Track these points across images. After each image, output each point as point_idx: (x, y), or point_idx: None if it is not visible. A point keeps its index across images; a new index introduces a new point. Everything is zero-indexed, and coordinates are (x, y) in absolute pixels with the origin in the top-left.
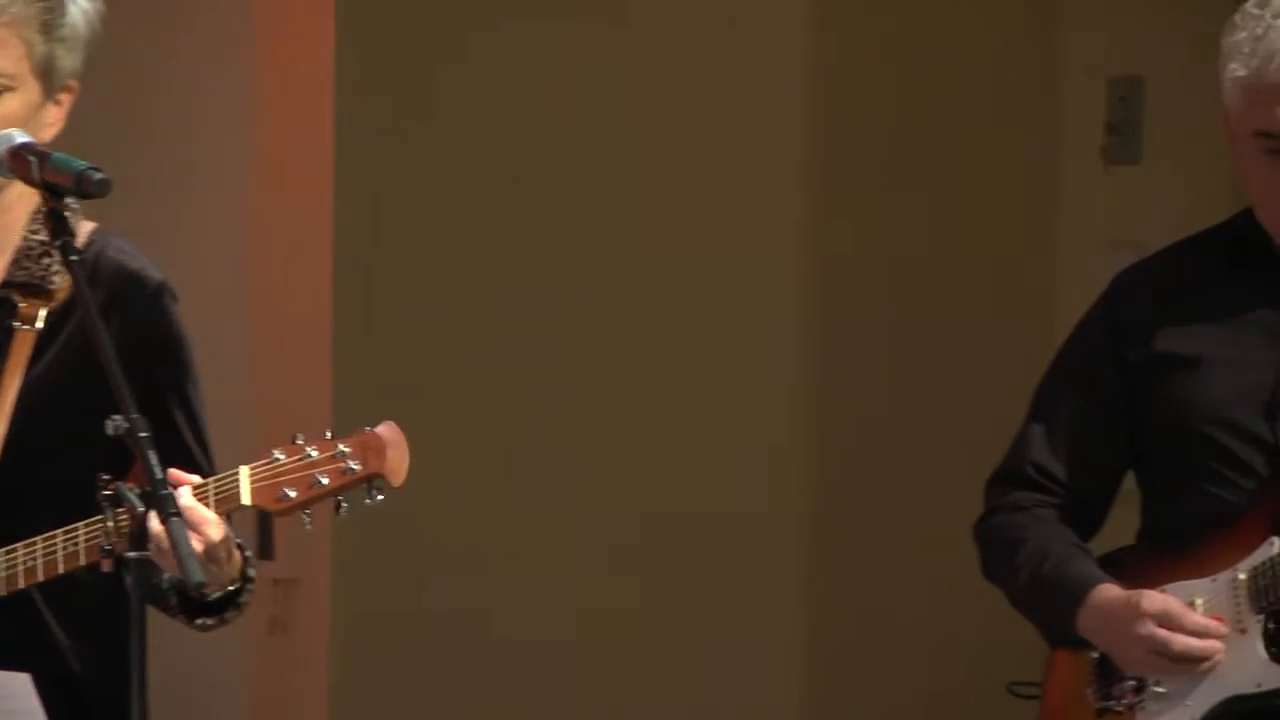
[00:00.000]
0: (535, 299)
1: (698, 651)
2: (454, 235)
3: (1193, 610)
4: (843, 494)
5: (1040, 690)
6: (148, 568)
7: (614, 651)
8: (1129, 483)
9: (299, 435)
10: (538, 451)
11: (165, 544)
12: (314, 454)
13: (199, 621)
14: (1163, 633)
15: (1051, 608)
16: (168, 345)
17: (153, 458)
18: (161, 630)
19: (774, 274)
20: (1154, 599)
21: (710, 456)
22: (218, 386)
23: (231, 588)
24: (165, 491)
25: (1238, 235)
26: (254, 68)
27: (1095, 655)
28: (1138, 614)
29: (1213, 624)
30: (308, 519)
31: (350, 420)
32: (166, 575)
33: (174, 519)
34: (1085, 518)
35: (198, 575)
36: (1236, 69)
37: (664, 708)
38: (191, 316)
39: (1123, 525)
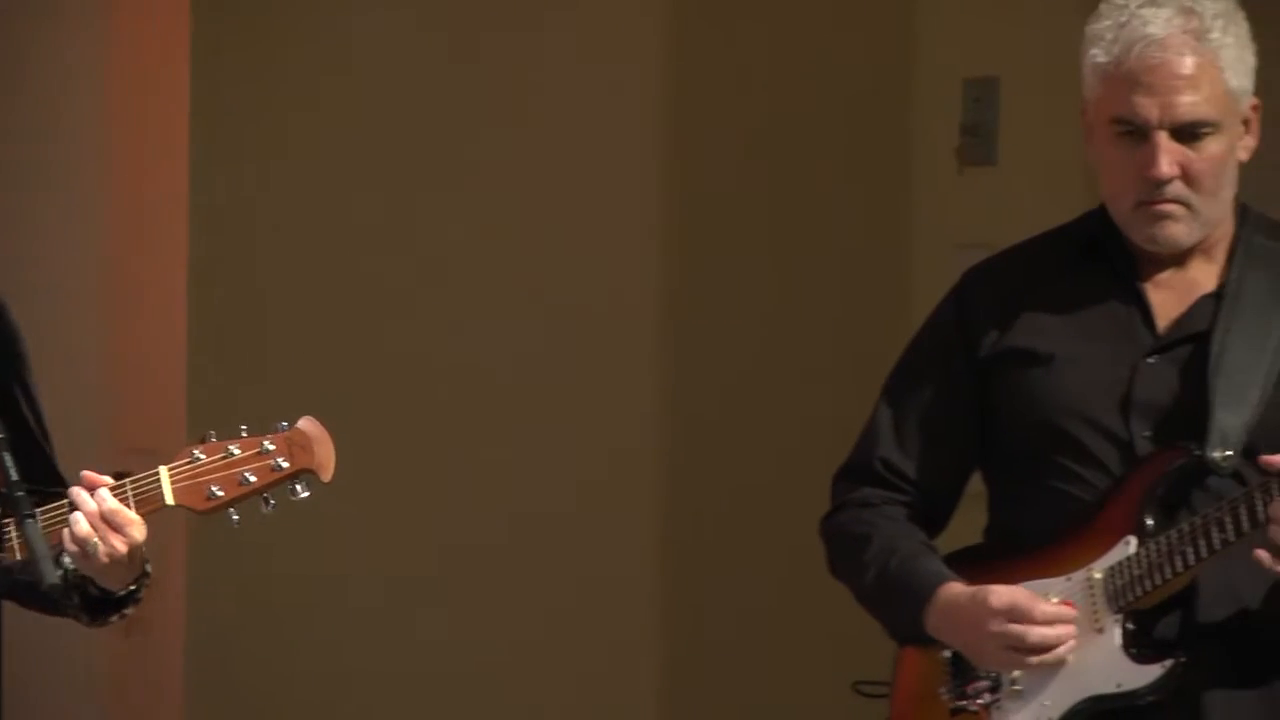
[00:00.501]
0: (387, 307)
1: (548, 649)
2: (307, 237)
3: (1040, 599)
4: (692, 493)
5: (887, 689)
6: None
7: (471, 649)
8: (975, 482)
9: (213, 433)
10: (392, 459)
11: (75, 547)
12: (236, 452)
13: (100, 619)
14: (1016, 628)
15: (899, 606)
16: (4, 341)
17: (7, 459)
18: (15, 631)
19: (628, 277)
20: (1001, 594)
21: (561, 458)
22: (72, 389)
23: (133, 586)
24: (20, 494)
25: (1089, 232)
26: (110, 72)
27: (948, 654)
28: (988, 611)
29: (1063, 610)
30: (235, 517)
31: (205, 419)
32: (59, 573)
33: (29, 521)
34: (932, 515)
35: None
36: (1098, 55)
37: (515, 707)
38: (47, 319)
39: (969, 523)
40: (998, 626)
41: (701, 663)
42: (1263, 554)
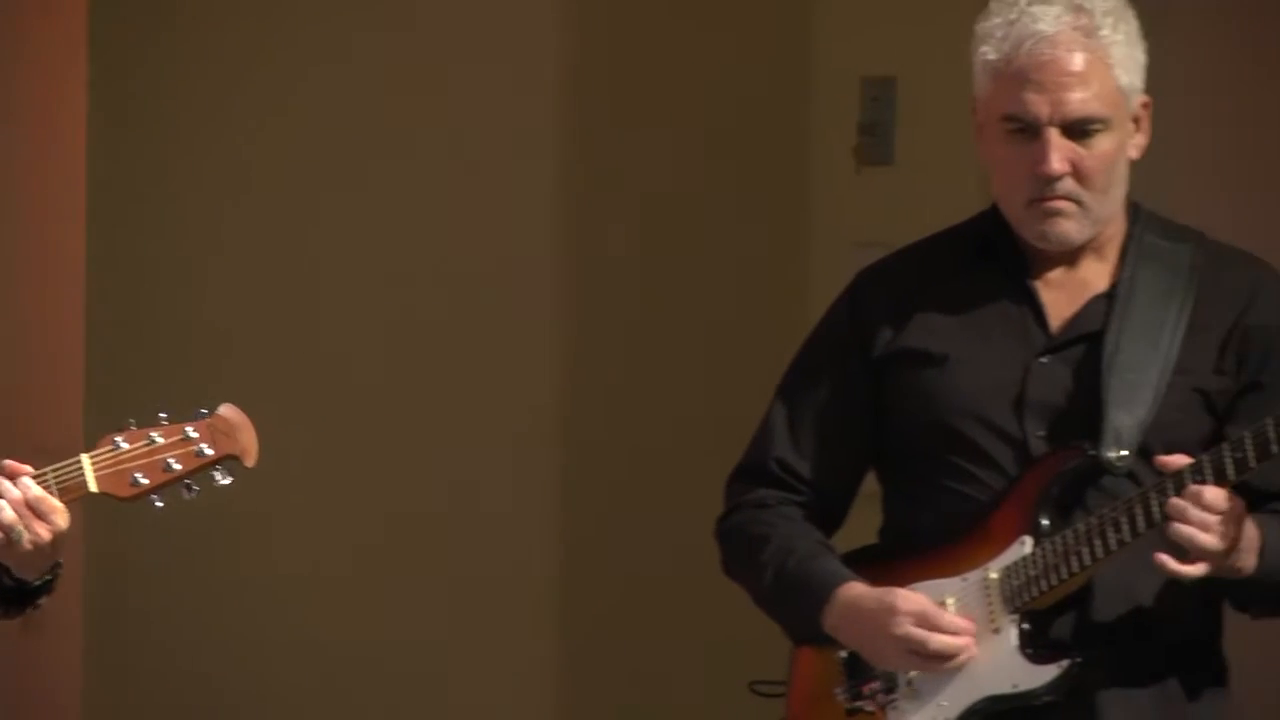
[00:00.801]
0: (284, 301)
1: (445, 646)
2: (204, 232)
3: (946, 610)
4: (588, 492)
5: (783, 689)
6: None
7: (371, 647)
8: (871, 482)
9: (132, 421)
10: (287, 454)
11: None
12: (159, 439)
13: (14, 611)
14: (919, 632)
15: (796, 606)
16: None
17: None
18: None
19: (525, 273)
20: (909, 598)
21: (457, 456)
22: None
23: (48, 576)
24: None
25: (982, 232)
26: (5, 67)
27: (844, 654)
28: (893, 612)
29: (966, 624)
30: (158, 503)
31: (103, 416)
32: None
33: None
34: (828, 514)
35: None
36: (988, 53)
37: (415, 702)
38: None
39: (865, 523)
40: (902, 629)
41: (598, 662)
42: (1164, 557)
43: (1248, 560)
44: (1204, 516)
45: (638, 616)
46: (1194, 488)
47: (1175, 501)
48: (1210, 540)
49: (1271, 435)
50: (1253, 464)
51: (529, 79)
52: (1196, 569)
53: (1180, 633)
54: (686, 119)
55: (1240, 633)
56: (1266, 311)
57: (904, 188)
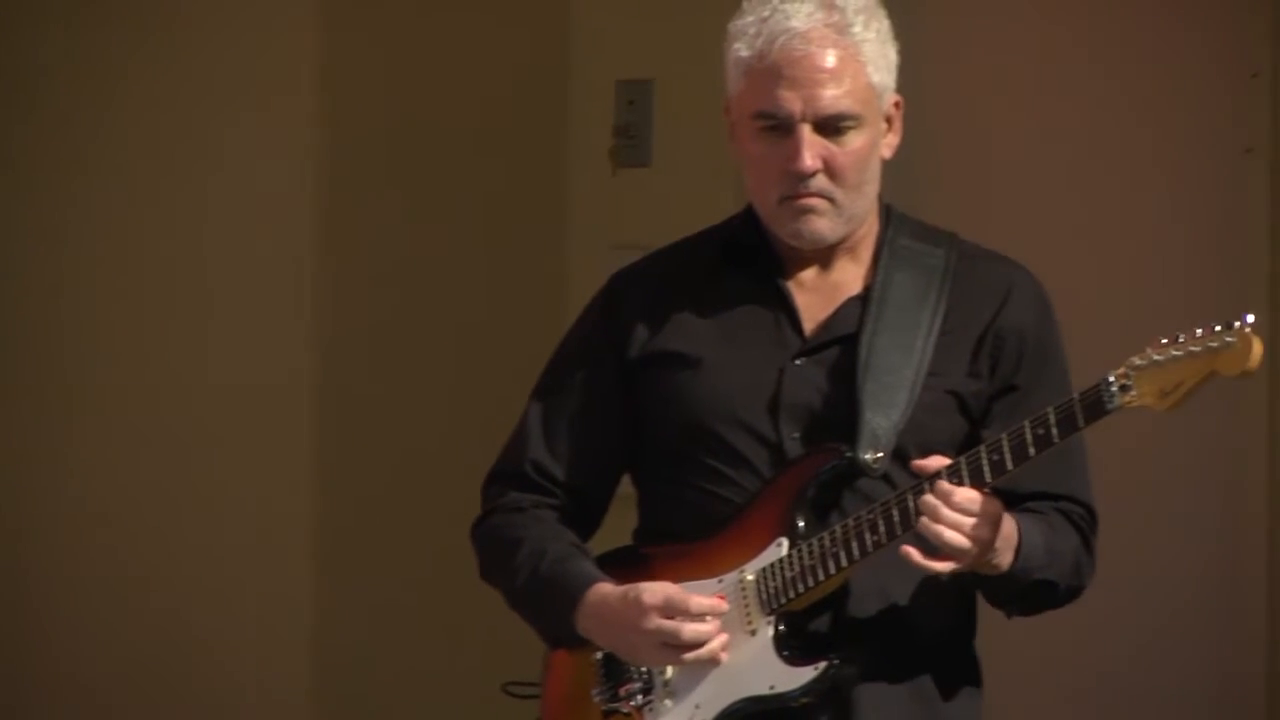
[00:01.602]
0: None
1: (202, 651)
2: None
3: (693, 594)
4: (343, 492)
5: (536, 690)
6: None
7: (156, 648)
8: (627, 483)
9: None
10: (45, 467)
11: None
12: None
13: None
14: (669, 624)
15: (550, 608)
16: None
17: None
18: None
19: (279, 272)
20: (655, 590)
21: (208, 461)
22: None
23: None
24: None
25: (736, 233)
26: None
27: (599, 656)
28: (640, 607)
29: (717, 603)
30: None
31: None
32: None
33: None
34: (584, 517)
35: None
36: (741, 50)
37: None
38: None
39: (623, 524)
40: (651, 623)
41: (352, 662)
42: (911, 550)
43: (1004, 558)
44: (955, 516)
45: (392, 617)
46: (945, 486)
47: (927, 499)
48: (959, 540)
49: (1029, 439)
50: (1010, 467)
51: (285, 76)
52: (944, 566)
53: (935, 633)
54: (443, 122)
55: (992, 631)
56: (1019, 313)
57: (661, 190)
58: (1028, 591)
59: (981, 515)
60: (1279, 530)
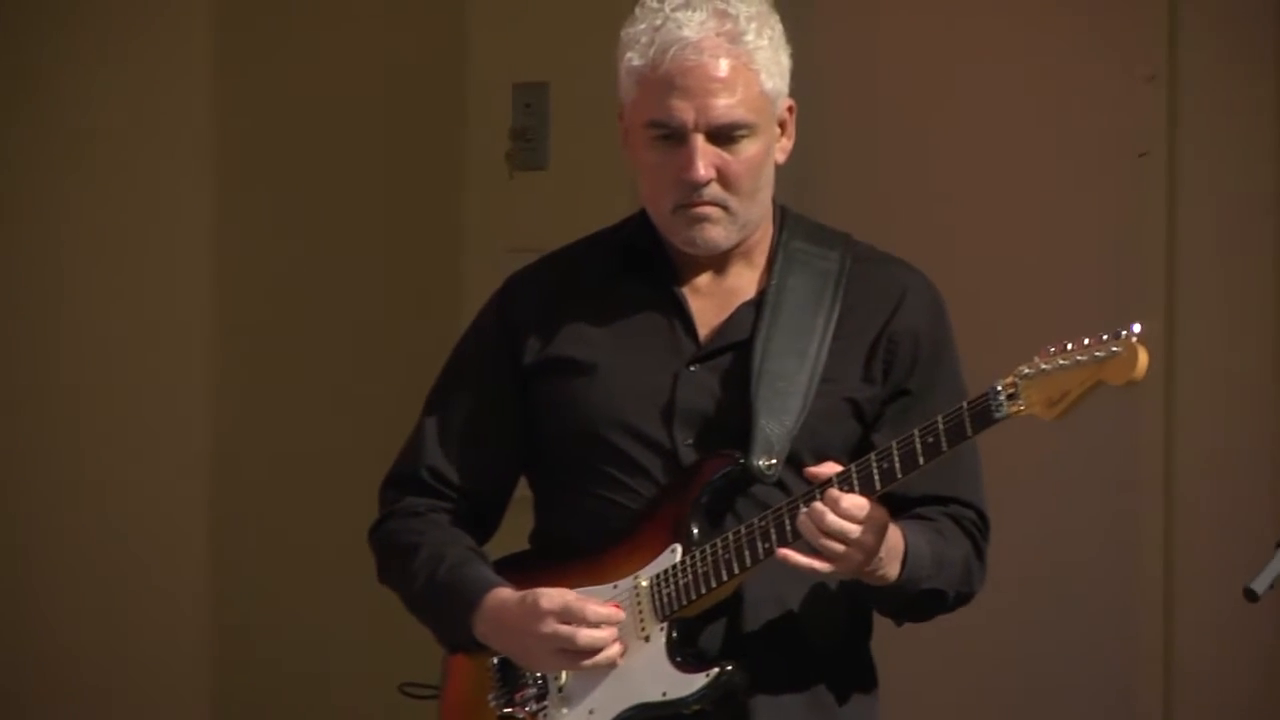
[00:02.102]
0: None
1: (95, 651)
2: None
3: (590, 600)
4: (241, 492)
5: (433, 691)
6: None
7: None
8: (524, 485)
9: None
10: None
11: None
12: None
13: None
14: (566, 629)
15: (448, 613)
16: None
17: None
18: None
19: (180, 277)
20: (552, 596)
21: (104, 462)
22: None
23: None
24: None
25: (631, 237)
26: None
27: (495, 661)
28: (538, 612)
29: (613, 612)
30: None
31: None
32: None
33: None
34: (481, 521)
35: None
36: (633, 59)
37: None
38: None
39: (523, 526)
40: (548, 628)
41: (250, 662)
42: (786, 550)
43: (891, 569)
44: (840, 523)
45: (289, 616)
46: (832, 493)
47: (815, 505)
48: (838, 547)
49: (918, 448)
50: (899, 475)
51: (182, 76)
52: (822, 565)
53: (830, 638)
54: (340, 124)
55: (889, 633)
56: (913, 317)
57: (558, 193)
58: (916, 601)
59: (867, 522)
60: (1174, 529)
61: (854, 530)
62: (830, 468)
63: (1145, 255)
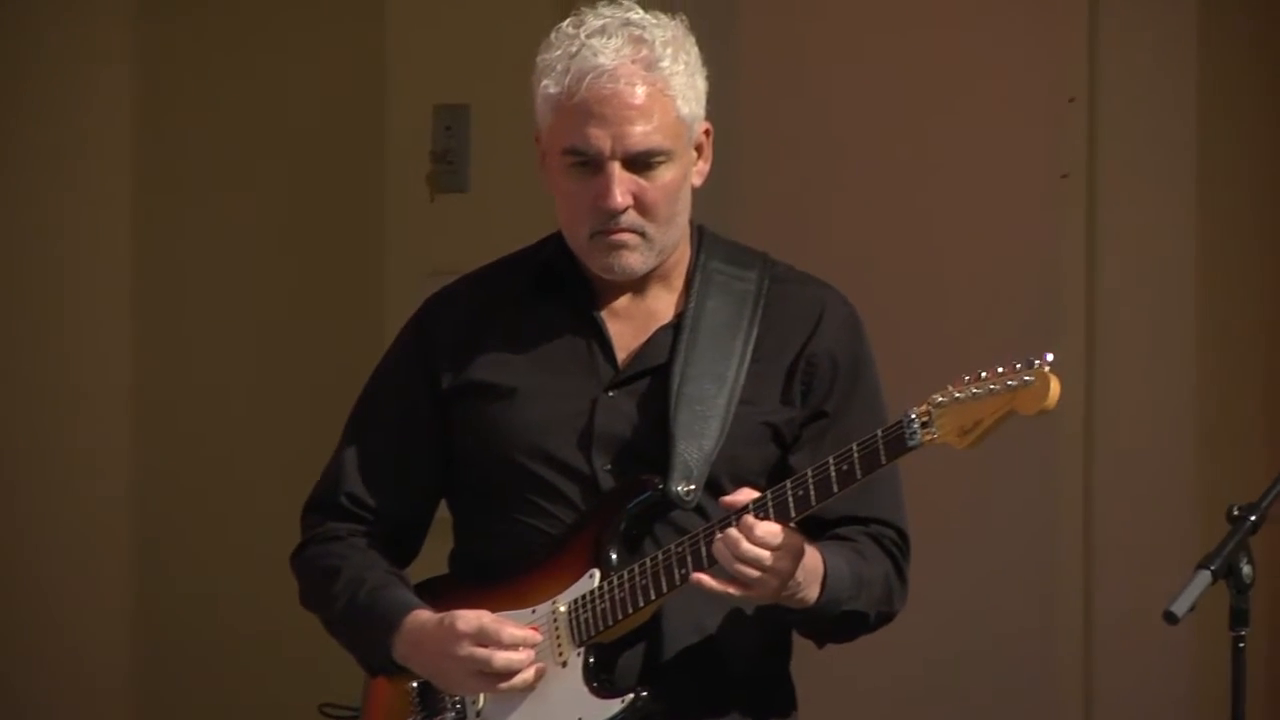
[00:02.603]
0: None
1: (15, 664)
2: None
3: (507, 622)
4: (163, 515)
5: (353, 712)
6: None
7: None
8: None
9: None
10: None
11: None
12: None
13: None
14: (481, 651)
15: (368, 636)
16: None
17: None
18: None
19: (99, 303)
20: (468, 618)
21: (26, 474)
22: None
23: None
24: None
25: (549, 259)
26: None
27: (415, 684)
28: (454, 635)
29: (529, 634)
30: None
31: None
32: None
33: None
34: (402, 545)
35: None
36: (549, 86)
37: None
38: None
39: (445, 548)
40: (464, 650)
41: (171, 681)
42: (701, 575)
43: (810, 592)
44: (754, 551)
45: (210, 637)
46: (748, 520)
47: (730, 533)
48: (755, 574)
49: (833, 475)
50: (814, 502)
51: (105, 90)
52: (737, 591)
53: (749, 661)
54: (261, 146)
55: (807, 653)
56: (831, 338)
57: (479, 215)
58: (837, 622)
59: (782, 549)
60: (1093, 551)
61: (768, 557)
62: (745, 495)
63: (1065, 276)
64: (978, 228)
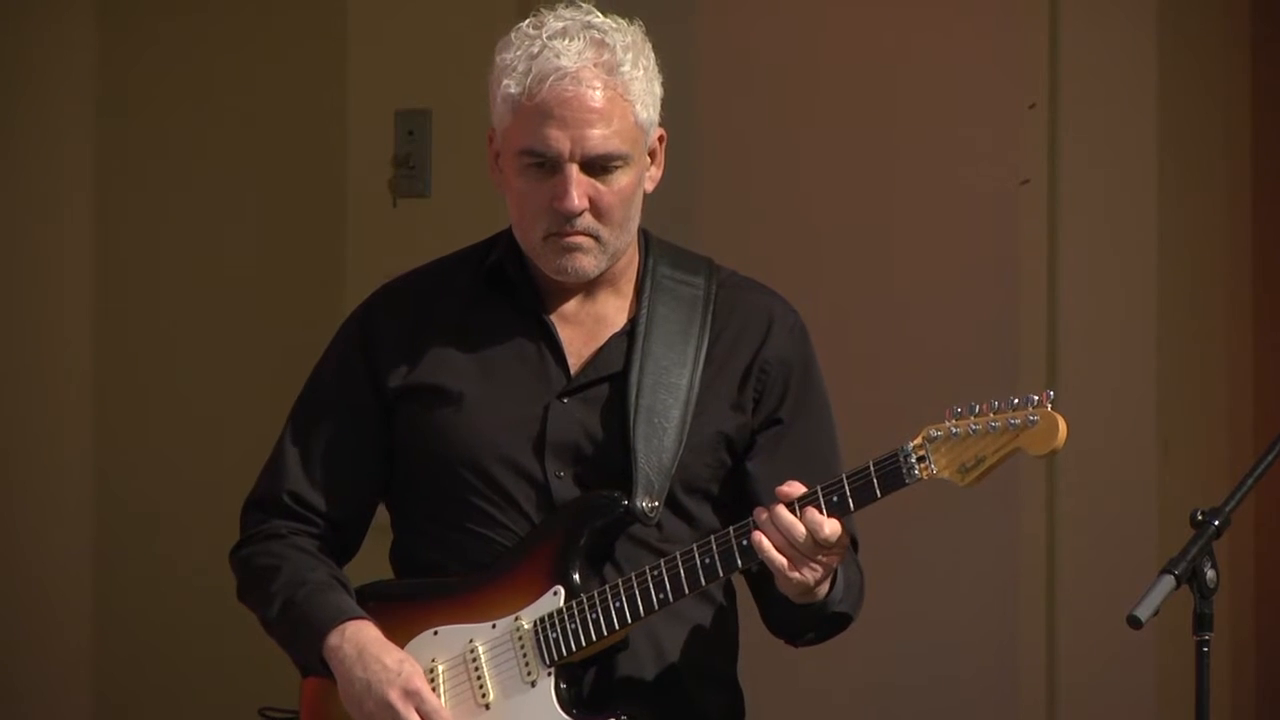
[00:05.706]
0: None
1: None
2: None
3: (435, 697)
4: (112, 515)
5: (291, 715)
6: None
7: None
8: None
9: None
10: None
11: None
12: None
13: None
14: (407, 709)
15: (303, 637)
16: None
17: None
18: None
19: (66, 304)
20: (415, 676)
21: None
22: None
23: None
24: None
25: (497, 259)
26: None
27: None
28: (402, 685)
29: (445, 716)
30: None
31: None
32: None
33: None
34: (342, 545)
35: None
36: (509, 86)
37: None
38: None
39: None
40: (400, 705)
41: (116, 681)
42: (760, 536)
43: (823, 587)
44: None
45: (150, 636)
46: (814, 519)
47: (815, 516)
48: (824, 561)
49: (822, 507)
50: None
51: (68, 94)
52: (803, 575)
53: (702, 673)
54: (222, 151)
55: (752, 658)
56: (781, 345)
57: (440, 220)
58: (826, 621)
59: (839, 547)
60: (1056, 554)
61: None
62: (797, 488)
63: (1025, 282)
64: (937, 234)
